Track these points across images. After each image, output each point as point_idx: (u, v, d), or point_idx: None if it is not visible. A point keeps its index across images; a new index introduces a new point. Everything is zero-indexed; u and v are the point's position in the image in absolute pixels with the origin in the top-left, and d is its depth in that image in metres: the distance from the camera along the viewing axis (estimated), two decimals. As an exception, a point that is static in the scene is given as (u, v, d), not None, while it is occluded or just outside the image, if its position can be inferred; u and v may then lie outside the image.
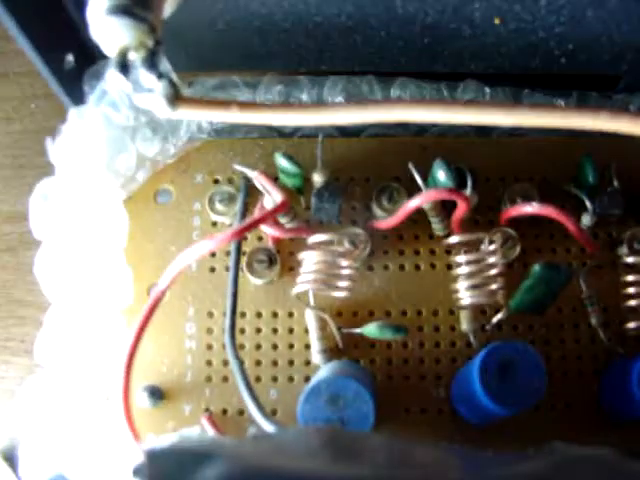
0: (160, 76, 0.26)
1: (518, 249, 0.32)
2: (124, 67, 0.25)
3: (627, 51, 0.31)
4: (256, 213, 0.32)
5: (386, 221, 0.31)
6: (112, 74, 0.26)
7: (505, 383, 0.28)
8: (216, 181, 0.34)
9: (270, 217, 0.29)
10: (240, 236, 0.28)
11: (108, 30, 0.24)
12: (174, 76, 0.30)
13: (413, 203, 0.29)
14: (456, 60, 0.32)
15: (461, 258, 0.30)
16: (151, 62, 0.26)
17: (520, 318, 0.32)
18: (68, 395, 0.28)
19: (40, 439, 0.27)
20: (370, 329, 0.30)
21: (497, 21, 0.30)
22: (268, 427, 0.27)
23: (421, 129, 0.34)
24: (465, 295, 0.30)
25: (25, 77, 0.36)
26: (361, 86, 0.34)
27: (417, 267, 0.33)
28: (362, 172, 0.33)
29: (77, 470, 0.26)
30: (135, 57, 0.26)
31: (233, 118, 0.26)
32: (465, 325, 0.31)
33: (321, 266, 0.30)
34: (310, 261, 0.30)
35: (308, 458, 0.21)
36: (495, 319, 0.31)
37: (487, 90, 0.34)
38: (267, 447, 0.23)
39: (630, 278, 0.31)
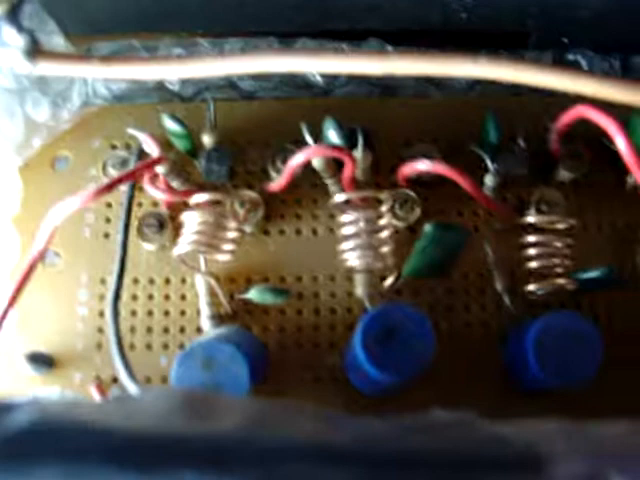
0: (20, 29, 0.25)
1: (418, 211, 0.31)
2: (-16, 22, 0.25)
3: (531, 5, 0.30)
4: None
5: (276, 183, 0.30)
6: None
7: (389, 348, 0.27)
8: (113, 147, 0.33)
9: (141, 172, 0.28)
10: (105, 192, 0.27)
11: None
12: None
13: (297, 160, 0.28)
14: (353, 16, 0.31)
15: (347, 217, 0.29)
16: (12, 15, 0.25)
17: (422, 283, 0.31)
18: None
19: None
20: (252, 293, 0.29)
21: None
22: (132, 389, 0.26)
23: (324, 91, 0.33)
24: (352, 257, 0.29)
25: None
26: (261, 48, 0.33)
27: (314, 231, 0.32)
28: (261, 135, 0.32)
29: None
30: (-3, 11, 0.25)
31: (94, 73, 0.26)
32: (360, 290, 0.30)
33: (204, 227, 0.29)
34: (193, 221, 0.29)
35: (159, 418, 0.20)
36: (387, 283, 0.30)
37: (390, 49, 0.33)
38: (112, 406, 0.22)
39: (531, 239, 0.30)
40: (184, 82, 0.33)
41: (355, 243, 0.29)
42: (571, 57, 0.33)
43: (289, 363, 0.30)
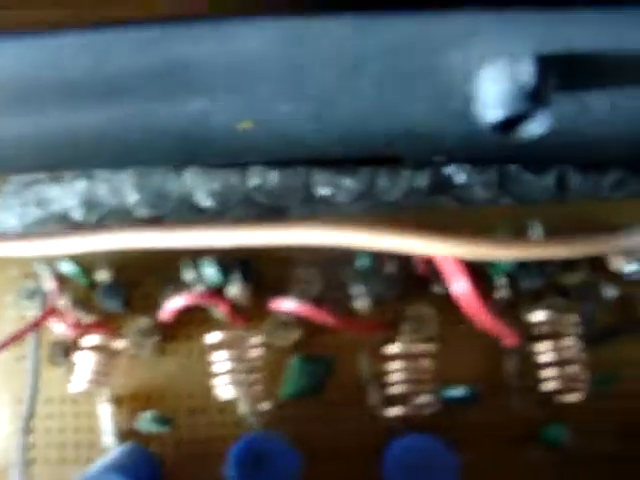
0: None
1: (296, 334, 0.33)
2: None
3: (394, 137, 0.31)
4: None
5: (164, 313, 0.33)
6: None
7: (257, 476, 0.30)
8: (27, 276, 0.36)
9: (43, 321, 0.31)
10: (12, 344, 0.31)
11: None
12: None
13: (174, 304, 0.31)
14: (228, 155, 0.33)
15: (219, 356, 0.32)
16: None
17: (298, 400, 0.33)
18: None
19: None
20: (142, 423, 0.32)
21: (244, 126, 0.30)
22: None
23: (219, 213, 0.36)
24: (227, 387, 0.32)
25: None
26: (154, 178, 0.35)
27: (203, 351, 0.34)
28: (153, 263, 0.35)
29: None
30: None
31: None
32: (242, 409, 0.33)
33: (96, 367, 0.32)
34: (86, 361, 0.32)
35: None
36: (263, 408, 0.33)
37: (272, 173, 0.35)
38: None
39: (395, 365, 0.32)
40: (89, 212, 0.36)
41: (229, 376, 0.32)
42: (448, 172, 0.35)
43: (185, 475, 0.34)
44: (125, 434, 0.34)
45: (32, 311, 0.35)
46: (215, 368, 0.33)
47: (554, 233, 0.33)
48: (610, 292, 0.34)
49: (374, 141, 0.32)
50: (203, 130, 0.30)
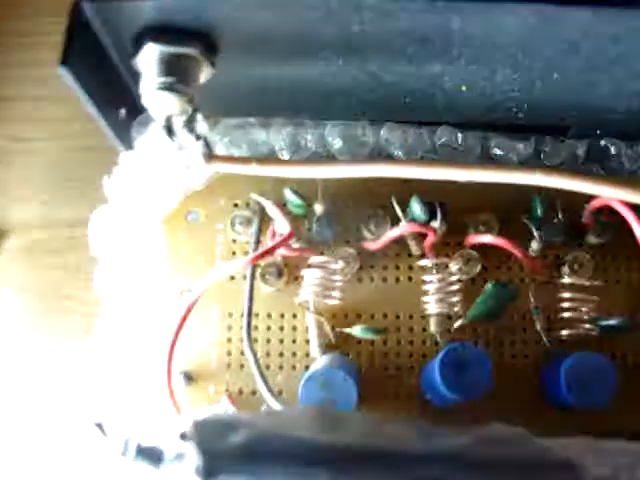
0: (198, 137, 0.33)
1: (479, 267, 0.40)
2: (170, 131, 0.33)
3: (571, 109, 0.38)
4: (268, 236, 0.39)
5: (373, 244, 0.39)
6: (161, 137, 0.33)
7: (459, 376, 0.36)
8: (235, 205, 0.41)
9: (279, 247, 0.36)
10: (257, 262, 0.36)
11: (157, 101, 0.31)
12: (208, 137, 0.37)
13: (393, 233, 0.37)
14: (432, 113, 0.40)
15: (428, 277, 0.38)
16: (190, 126, 0.33)
17: (479, 323, 0.40)
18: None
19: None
20: (356, 330, 0.38)
21: (463, 88, 0.37)
22: (276, 405, 0.35)
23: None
24: (432, 306, 0.38)
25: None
26: (356, 129, 0.41)
27: (397, 279, 0.40)
28: (357, 200, 0.41)
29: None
30: (177, 121, 0.33)
31: (253, 171, 0.34)
32: (433, 328, 0.39)
33: (318, 281, 0.37)
34: (310, 277, 0.38)
35: (304, 429, 0.29)
36: (456, 325, 0.39)
37: (459, 134, 0.41)
38: (275, 420, 0.31)
39: (566, 295, 0.39)
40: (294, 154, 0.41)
41: (433, 296, 0.38)
42: (602, 144, 0.42)
43: (377, 382, 0.39)
44: (326, 346, 0.39)
45: (243, 236, 0.41)
46: (411, 286, 0.39)
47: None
48: None
49: (555, 112, 0.39)
50: (432, 89, 0.36)
